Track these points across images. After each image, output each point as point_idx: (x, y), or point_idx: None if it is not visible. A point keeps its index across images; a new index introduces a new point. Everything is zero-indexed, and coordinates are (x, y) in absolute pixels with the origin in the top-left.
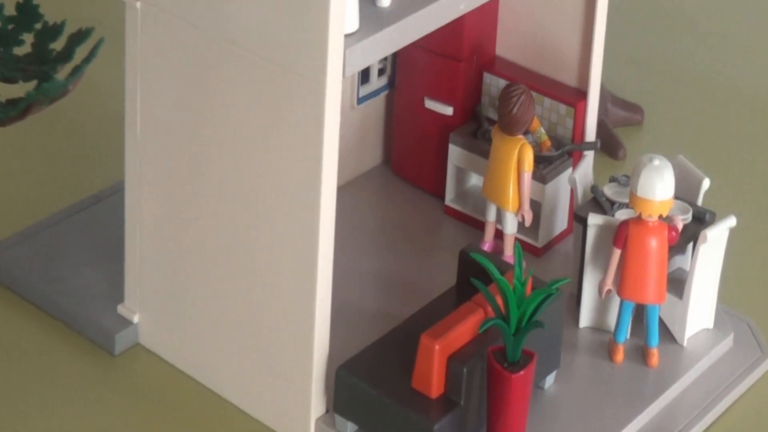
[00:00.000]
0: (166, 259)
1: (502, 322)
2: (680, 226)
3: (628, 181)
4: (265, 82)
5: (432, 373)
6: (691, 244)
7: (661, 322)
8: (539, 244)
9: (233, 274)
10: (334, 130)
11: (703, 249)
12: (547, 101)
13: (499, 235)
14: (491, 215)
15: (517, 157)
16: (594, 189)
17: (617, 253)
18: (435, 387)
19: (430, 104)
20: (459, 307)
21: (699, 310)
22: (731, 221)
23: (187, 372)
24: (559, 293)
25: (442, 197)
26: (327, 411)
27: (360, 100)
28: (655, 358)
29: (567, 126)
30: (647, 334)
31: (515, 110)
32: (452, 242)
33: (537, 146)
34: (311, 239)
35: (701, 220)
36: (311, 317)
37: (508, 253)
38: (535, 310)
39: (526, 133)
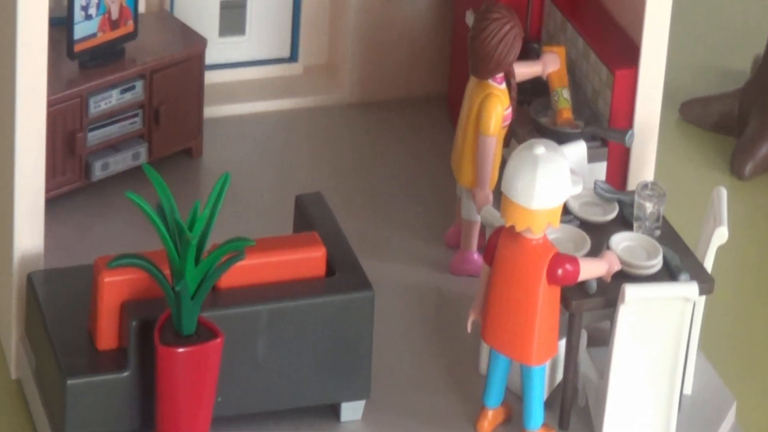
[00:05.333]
0: None
1: (151, 266)
2: (604, 268)
3: (610, 191)
4: None
5: (98, 313)
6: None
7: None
8: None
9: None
10: None
11: (623, 312)
12: (593, 58)
13: None
14: (459, 189)
15: (476, 111)
16: None
17: (486, 271)
18: (103, 335)
19: (471, 21)
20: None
21: (639, 409)
22: (689, 289)
23: None
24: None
25: None
26: None
27: None
28: None
29: (607, 99)
30: (523, 409)
31: (482, 40)
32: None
33: (552, 114)
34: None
35: (674, 276)
36: (11, 206)
37: (467, 248)
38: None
39: (538, 94)
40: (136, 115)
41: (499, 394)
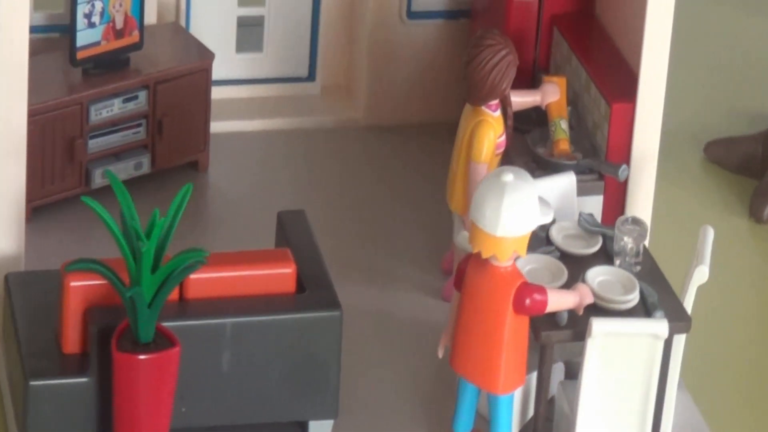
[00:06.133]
0: None
1: (109, 272)
2: (573, 300)
3: (595, 224)
4: None
5: (64, 318)
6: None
7: None
8: None
9: None
10: None
11: (591, 346)
12: (594, 90)
13: None
14: (453, 215)
15: (469, 137)
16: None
17: (456, 297)
18: (68, 339)
19: None
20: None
21: None
22: (658, 327)
23: None
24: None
25: None
26: None
27: (415, 15)
28: None
29: (605, 132)
30: None
31: (475, 66)
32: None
33: (550, 145)
34: None
35: (650, 313)
36: None
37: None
38: (165, 282)
39: (542, 124)
40: (139, 125)
41: (468, 420)
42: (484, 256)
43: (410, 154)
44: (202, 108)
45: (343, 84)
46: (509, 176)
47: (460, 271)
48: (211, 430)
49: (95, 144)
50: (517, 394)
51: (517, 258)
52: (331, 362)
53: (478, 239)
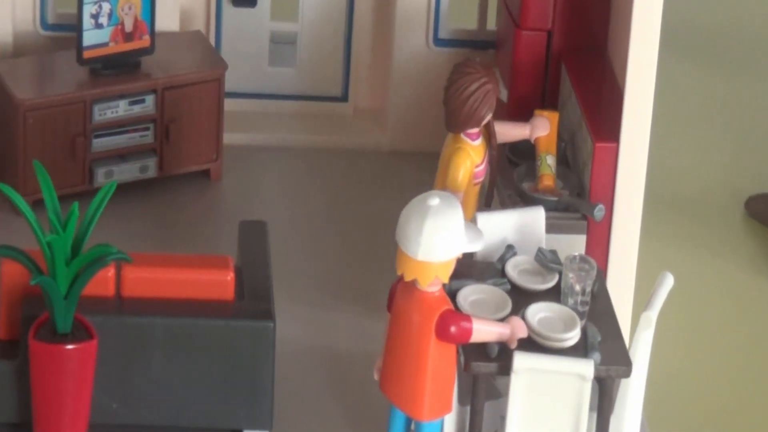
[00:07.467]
0: None
1: (26, 259)
2: (498, 332)
3: (554, 260)
4: None
5: (1, 304)
6: None
7: None
8: None
9: None
10: None
11: (515, 382)
12: (584, 128)
13: None
14: None
15: (446, 165)
16: (508, 249)
17: (389, 320)
18: (4, 324)
19: None
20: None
21: None
22: (583, 367)
23: None
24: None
25: None
26: None
27: (442, 42)
28: None
29: (590, 171)
30: None
31: (452, 93)
32: None
33: (534, 180)
34: None
35: (587, 353)
36: None
37: None
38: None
39: (523, 157)
40: (146, 129)
41: None
42: (406, 279)
43: (430, 181)
44: (214, 118)
45: (376, 107)
46: (435, 200)
47: (391, 293)
48: (146, 430)
49: (99, 143)
50: (452, 425)
51: (458, 287)
52: (264, 373)
53: (400, 262)
